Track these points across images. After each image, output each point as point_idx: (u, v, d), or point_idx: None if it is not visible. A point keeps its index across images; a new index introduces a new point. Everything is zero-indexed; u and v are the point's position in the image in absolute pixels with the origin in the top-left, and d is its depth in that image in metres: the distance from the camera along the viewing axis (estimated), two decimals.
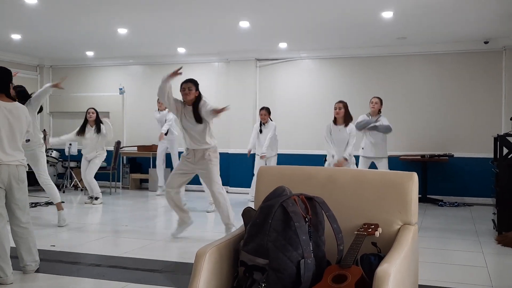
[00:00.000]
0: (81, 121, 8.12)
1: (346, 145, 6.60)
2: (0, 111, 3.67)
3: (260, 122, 8.16)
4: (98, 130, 7.85)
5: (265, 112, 8.10)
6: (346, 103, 6.72)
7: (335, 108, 6.67)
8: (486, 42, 8.20)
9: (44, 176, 5.88)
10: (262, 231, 2.00)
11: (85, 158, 7.92)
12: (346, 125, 6.63)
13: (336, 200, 2.33)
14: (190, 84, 5.16)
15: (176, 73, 5.11)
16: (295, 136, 9.22)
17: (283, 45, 8.95)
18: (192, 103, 5.17)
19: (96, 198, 7.89)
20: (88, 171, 7.76)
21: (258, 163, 8.16)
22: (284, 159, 8.91)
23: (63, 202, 6.22)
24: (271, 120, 8.19)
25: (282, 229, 1.98)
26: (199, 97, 5.18)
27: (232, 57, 9.60)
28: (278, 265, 1.95)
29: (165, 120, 8.85)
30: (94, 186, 7.83)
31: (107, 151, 8.18)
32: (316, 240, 2.06)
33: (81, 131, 7.86)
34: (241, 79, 9.61)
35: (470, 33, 7.81)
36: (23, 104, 5.65)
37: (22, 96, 5.61)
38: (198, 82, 5.29)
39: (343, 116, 6.61)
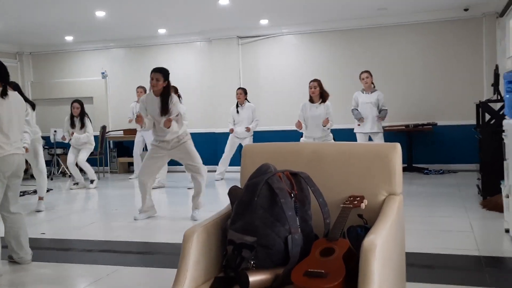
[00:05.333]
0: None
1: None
2: (9, 102, 3.66)
3: (237, 103, 8.21)
4: (82, 124, 7.84)
5: (241, 91, 8.19)
6: (320, 81, 6.81)
7: (310, 87, 6.77)
8: (466, 10, 8.21)
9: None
10: (249, 209, 2.02)
11: (73, 146, 8.00)
12: (323, 101, 6.74)
13: (321, 174, 2.35)
14: (159, 75, 5.04)
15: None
16: (279, 112, 9.23)
17: (264, 22, 8.90)
18: (160, 94, 5.09)
19: (92, 181, 8.05)
20: (80, 157, 7.91)
21: (231, 142, 8.28)
22: (269, 136, 8.93)
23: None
24: (248, 101, 8.24)
25: (269, 206, 2.01)
26: (167, 88, 5.10)
27: (214, 36, 9.52)
28: (267, 242, 1.98)
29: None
30: (87, 169, 7.99)
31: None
32: (302, 215, 2.09)
33: (72, 125, 7.89)
34: (224, 58, 9.55)
35: (450, 1, 7.81)
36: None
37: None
38: (169, 71, 5.18)
39: (319, 94, 6.71)
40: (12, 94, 3.76)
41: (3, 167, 3.60)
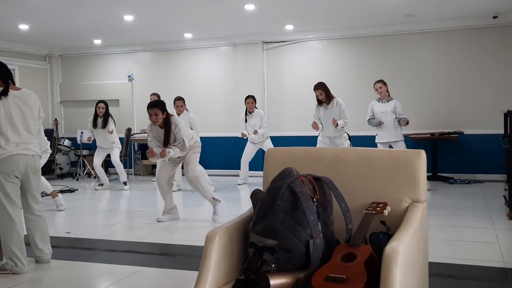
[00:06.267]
0: (91, 110, 8.27)
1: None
2: (11, 101, 3.65)
3: (246, 111, 8.23)
4: (105, 123, 7.96)
5: (252, 100, 8.20)
6: (324, 85, 7.04)
7: (317, 95, 7.07)
8: (495, 17, 8.08)
9: None
10: (271, 212, 2.02)
11: (99, 147, 8.13)
12: (330, 102, 7.04)
13: (344, 179, 2.34)
14: (156, 110, 5.15)
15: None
16: (303, 118, 9.20)
17: (289, 27, 8.91)
18: (164, 125, 5.23)
19: (125, 183, 8.19)
20: (113, 158, 8.10)
21: (248, 148, 8.37)
22: (293, 140, 8.95)
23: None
24: (256, 107, 8.31)
25: (291, 210, 2.01)
26: (167, 119, 5.22)
27: (239, 40, 9.57)
28: (288, 245, 1.98)
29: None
30: (121, 170, 8.16)
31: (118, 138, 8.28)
32: (324, 220, 2.08)
33: (94, 125, 8.00)
34: (248, 63, 9.59)
35: (479, 8, 7.70)
36: None
37: None
38: (164, 103, 5.31)
39: (325, 98, 7.03)
40: (18, 93, 3.70)
41: (6, 168, 3.60)
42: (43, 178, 6.22)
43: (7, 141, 3.61)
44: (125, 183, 8.18)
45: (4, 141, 3.60)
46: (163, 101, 5.36)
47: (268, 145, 8.22)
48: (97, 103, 8.06)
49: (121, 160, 8.50)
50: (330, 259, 1.97)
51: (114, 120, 8.19)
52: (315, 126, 7.00)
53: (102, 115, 7.99)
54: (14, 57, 9.95)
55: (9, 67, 3.85)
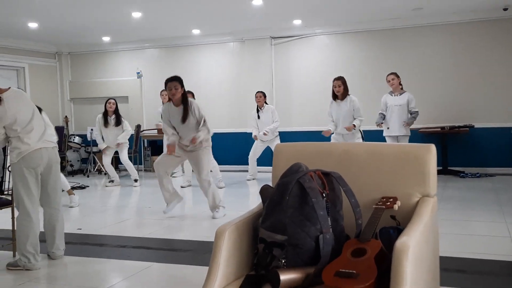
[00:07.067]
0: (101, 107, 8.28)
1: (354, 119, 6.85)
2: (12, 102, 3.66)
3: (257, 107, 8.20)
4: (118, 121, 7.95)
5: (261, 94, 8.16)
6: (343, 78, 6.89)
7: (335, 86, 6.85)
8: (505, 9, 8.00)
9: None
10: (280, 208, 2.02)
11: (108, 146, 8.12)
12: (344, 98, 6.83)
13: (353, 174, 2.33)
14: (176, 83, 5.10)
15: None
16: (311, 112, 9.19)
17: (297, 22, 8.88)
18: (181, 103, 5.17)
19: (136, 180, 8.20)
20: (123, 157, 8.14)
21: (256, 146, 8.31)
22: (301, 136, 8.92)
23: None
24: (267, 103, 8.26)
25: (300, 205, 2.00)
26: (185, 95, 5.16)
27: (246, 36, 9.56)
28: (297, 241, 1.98)
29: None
30: (131, 168, 8.17)
31: None
32: (334, 215, 2.07)
33: (105, 123, 7.98)
34: (256, 58, 9.58)
35: (488, 1, 7.62)
36: None
37: None
38: (182, 79, 5.24)
39: (342, 92, 6.82)
40: (11, 92, 3.69)
41: (32, 163, 3.66)
42: (61, 175, 6.30)
43: (28, 137, 3.66)
44: (135, 180, 8.19)
45: (26, 138, 3.65)
46: (181, 77, 5.26)
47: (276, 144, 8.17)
48: (107, 100, 8.07)
49: (130, 158, 8.55)
50: (340, 254, 1.97)
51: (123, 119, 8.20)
52: (326, 133, 6.92)
53: (113, 112, 8.00)
54: (23, 55, 10.00)
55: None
